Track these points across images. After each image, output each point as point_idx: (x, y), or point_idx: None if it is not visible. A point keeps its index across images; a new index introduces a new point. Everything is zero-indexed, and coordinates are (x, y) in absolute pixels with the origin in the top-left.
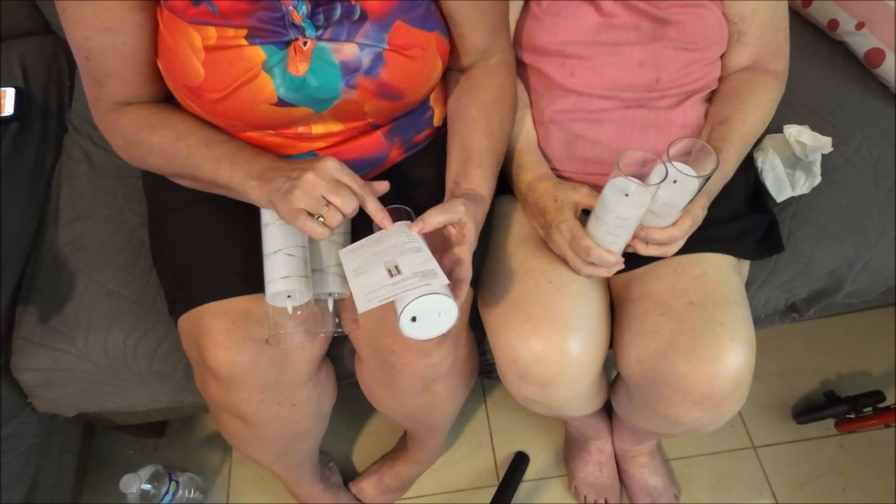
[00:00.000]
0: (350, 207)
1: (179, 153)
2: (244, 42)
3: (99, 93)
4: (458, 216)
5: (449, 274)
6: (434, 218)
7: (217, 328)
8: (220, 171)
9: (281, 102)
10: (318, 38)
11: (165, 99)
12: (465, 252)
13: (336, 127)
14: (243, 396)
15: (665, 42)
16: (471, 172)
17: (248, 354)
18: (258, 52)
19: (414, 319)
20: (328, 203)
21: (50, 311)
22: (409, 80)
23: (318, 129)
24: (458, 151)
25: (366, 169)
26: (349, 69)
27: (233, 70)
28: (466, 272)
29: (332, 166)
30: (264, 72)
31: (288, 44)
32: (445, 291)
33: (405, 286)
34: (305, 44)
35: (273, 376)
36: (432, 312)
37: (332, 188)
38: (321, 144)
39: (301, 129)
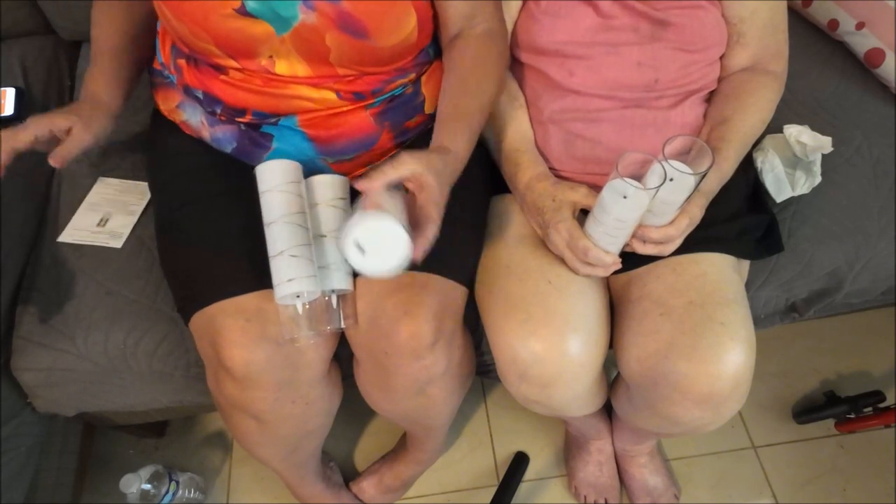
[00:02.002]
0: None
1: (92, 39)
2: None
3: None
4: (408, 170)
5: (416, 225)
6: (381, 178)
7: (232, 326)
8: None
9: (243, 10)
10: None
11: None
12: (422, 198)
13: (300, 67)
14: (259, 395)
15: (664, 43)
16: (439, 130)
17: (264, 353)
18: None
19: (360, 249)
20: None
21: (50, 311)
22: (374, 16)
23: (282, 66)
24: (435, 121)
25: (357, 151)
26: None
27: None
28: (429, 218)
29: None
30: None
31: None
32: (394, 222)
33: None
34: None
35: (288, 375)
36: (379, 238)
37: None
38: (295, 91)
39: (265, 62)
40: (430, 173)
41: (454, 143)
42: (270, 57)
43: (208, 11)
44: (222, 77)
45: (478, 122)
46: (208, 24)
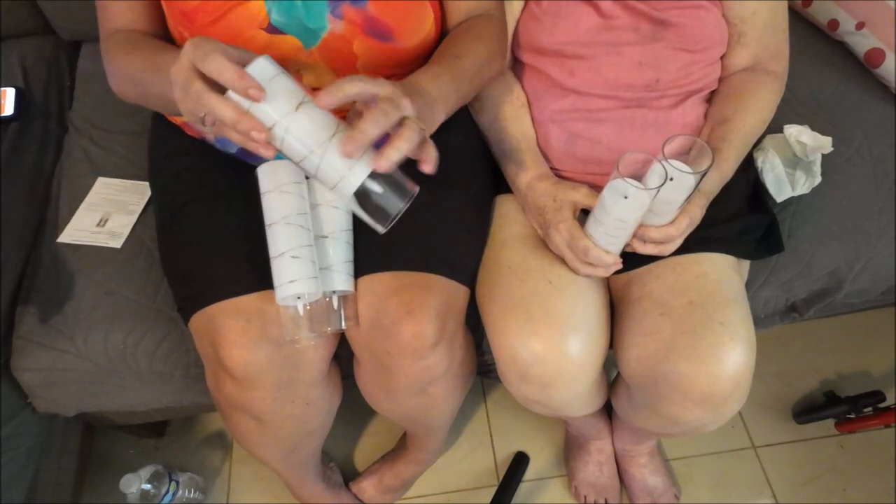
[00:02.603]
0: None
1: (132, 64)
2: None
3: (103, 22)
4: (378, 88)
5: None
6: (340, 90)
7: (232, 326)
8: (154, 80)
9: (271, 28)
10: None
11: (163, 35)
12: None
13: (327, 76)
14: (258, 395)
15: (665, 43)
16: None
17: (264, 353)
18: None
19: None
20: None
21: (50, 311)
22: (397, 16)
23: (308, 79)
24: None
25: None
26: None
27: None
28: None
29: (184, 63)
30: None
31: None
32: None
33: None
34: None
35: (288, 375)
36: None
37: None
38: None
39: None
40: (405, 102)
41: (430, 82)
42: (298, 71)
43: (235, 35)
44: None
45: (458, 68)
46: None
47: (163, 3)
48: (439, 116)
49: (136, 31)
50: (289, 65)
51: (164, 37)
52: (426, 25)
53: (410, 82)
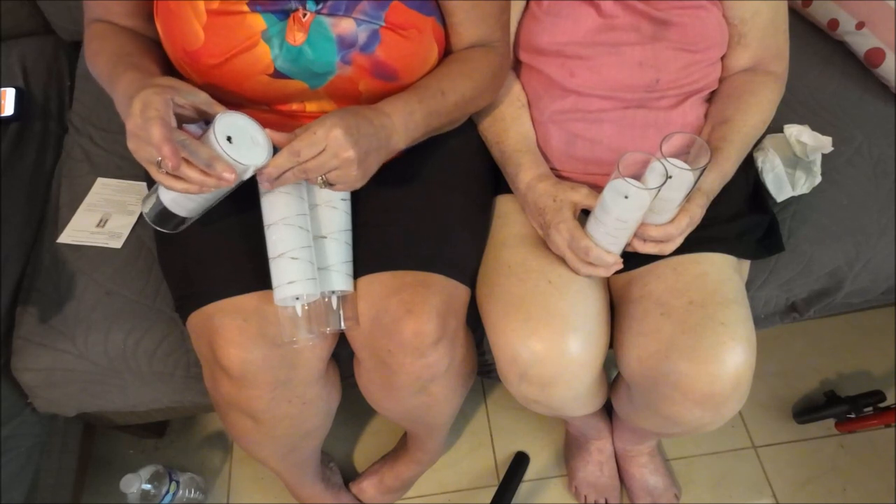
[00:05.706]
0: (154, 154)
1: (98, 66)
2: (246, 9)
3: (85, 10)
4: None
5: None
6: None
7: (229, 326)
8: (112, 92)
9: (277, 74)
10: (317, 13)
11: (141, 29)
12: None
13: (330, 107)
14: (255, 394)
15: (665, 43)
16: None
17: (261, 352)
18: (258, 21)
19: (230, 139)
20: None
21: (50, 311)
22: (404, 59)
23: (312, 107)
24: None
25: None
26: (345, 44)
27: (233, 36)
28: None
29: (136, 111)
30: (263, 41)
31: (287, 14)
32: (263, 132)
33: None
34: (304, 16)
35: (285, 374)
36: (245, 135)
37: (140, 137)
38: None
39: (295, 107)
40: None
41: (391, 105)
42: (302, 102)
43: (241, 80)
44: (243, 109)
45: (435, 106)
46: (242, 88)
47: (165, 45)
48: (395, 147)
49: (112, 24)
50: (294, 100)
51: (143, 30)
52: (430, 63)
53: (374, 114)
